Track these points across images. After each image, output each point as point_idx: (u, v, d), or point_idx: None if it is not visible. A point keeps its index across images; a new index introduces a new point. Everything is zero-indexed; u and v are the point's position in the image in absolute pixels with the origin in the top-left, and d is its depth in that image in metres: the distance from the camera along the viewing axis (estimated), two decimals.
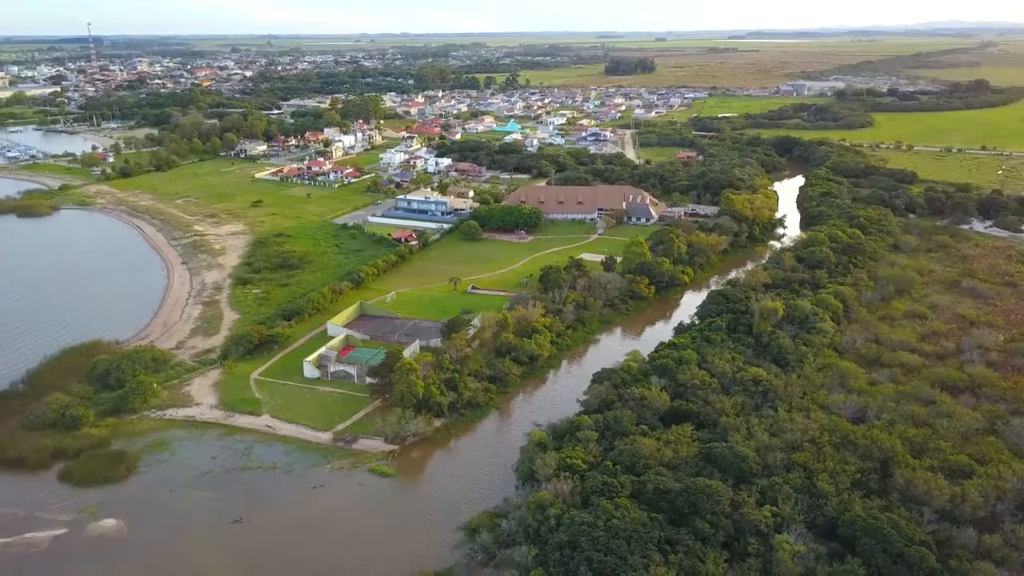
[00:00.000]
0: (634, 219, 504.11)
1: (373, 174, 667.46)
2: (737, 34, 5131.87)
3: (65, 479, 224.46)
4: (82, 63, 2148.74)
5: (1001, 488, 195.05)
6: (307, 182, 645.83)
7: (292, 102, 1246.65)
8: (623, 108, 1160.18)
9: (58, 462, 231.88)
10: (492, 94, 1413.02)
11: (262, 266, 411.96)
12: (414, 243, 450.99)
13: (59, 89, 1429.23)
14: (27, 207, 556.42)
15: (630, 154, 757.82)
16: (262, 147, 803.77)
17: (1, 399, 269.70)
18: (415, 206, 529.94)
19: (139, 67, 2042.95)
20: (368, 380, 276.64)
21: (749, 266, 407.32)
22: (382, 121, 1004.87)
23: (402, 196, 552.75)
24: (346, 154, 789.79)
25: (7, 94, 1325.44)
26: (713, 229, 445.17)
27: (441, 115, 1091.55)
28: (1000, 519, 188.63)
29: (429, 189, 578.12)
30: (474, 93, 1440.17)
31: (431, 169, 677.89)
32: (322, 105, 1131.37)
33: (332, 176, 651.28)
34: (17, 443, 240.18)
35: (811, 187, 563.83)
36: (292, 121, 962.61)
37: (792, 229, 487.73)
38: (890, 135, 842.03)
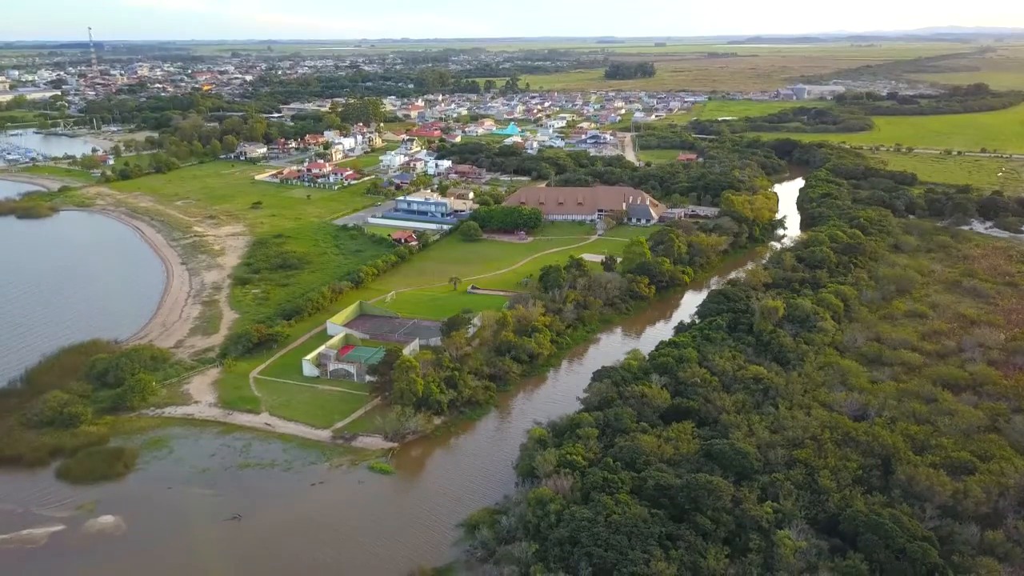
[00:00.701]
0: (634, 220, 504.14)
1: (373, 176, 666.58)
2: (737, 39, 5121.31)
3: (63, 476, 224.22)
4: (83, 67, 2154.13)
5: (1003, 484, 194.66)
6: (307, 184, 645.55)
7: (292, 106, 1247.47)
8: (623, 111, 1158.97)
9: (56, 459, 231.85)
10: (492, 98, 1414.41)
11: (262, 266, 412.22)
12: (414, 244, 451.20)
13: (59, 93, 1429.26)
14: (27, 208, 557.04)
15: (630, 156, 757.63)
16: (262, 149, 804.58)
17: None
18: (415, 207, 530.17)
19: (139, 71, 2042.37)
20: (367, 378, 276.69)
21: (749, 266, 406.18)
22: (382, 124, 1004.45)
23: (402, 197, 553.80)
24: (346, 156, 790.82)
25: (7, 98, 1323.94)
26: (713, 230, 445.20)
27: (441, 118, 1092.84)
28: (1003, 515, 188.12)
29: (429, 191, 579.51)
30: (474, 97, 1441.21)
31: (431, 171, 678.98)
32: (322, 109, 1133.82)
33: (332, 178, 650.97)
34: (15, 441, 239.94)
35: (811, 189, 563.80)
36: (292, 124, 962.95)
37: (792, 230, 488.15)
38: (890, 138, 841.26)
